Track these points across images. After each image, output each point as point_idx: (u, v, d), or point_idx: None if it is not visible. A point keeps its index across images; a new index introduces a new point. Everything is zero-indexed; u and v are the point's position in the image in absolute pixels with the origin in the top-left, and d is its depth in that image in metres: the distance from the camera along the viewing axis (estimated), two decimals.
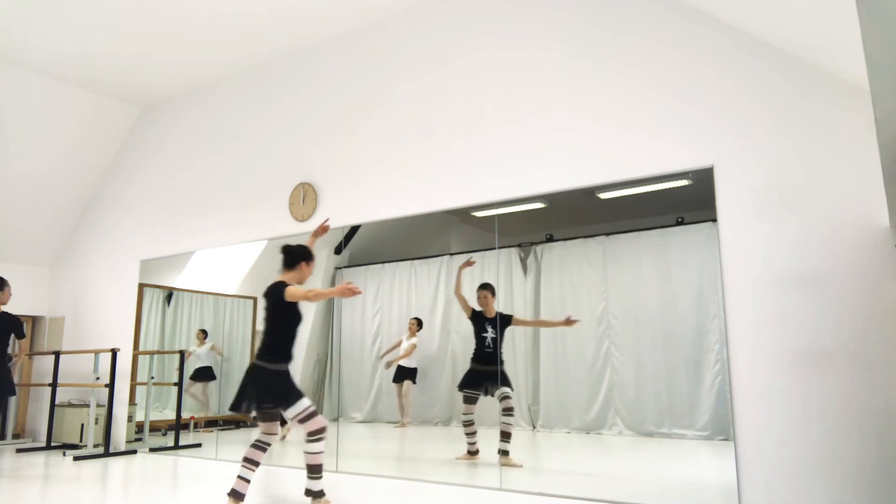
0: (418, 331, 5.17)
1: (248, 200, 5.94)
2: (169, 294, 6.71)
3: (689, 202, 3.87)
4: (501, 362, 4.45)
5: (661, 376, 4.06)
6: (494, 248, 4.53)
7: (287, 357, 3.54)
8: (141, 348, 6.52)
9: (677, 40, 3.92)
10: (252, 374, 3.50)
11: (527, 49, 4.51)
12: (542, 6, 4.49)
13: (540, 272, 4.57)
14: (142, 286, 6.63)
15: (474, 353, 4.57)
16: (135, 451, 6.05)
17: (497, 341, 4.48)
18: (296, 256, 3.67)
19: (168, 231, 6.54)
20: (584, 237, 4.40)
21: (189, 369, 6.42)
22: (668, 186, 3.89)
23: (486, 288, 4.58)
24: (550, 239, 4.52)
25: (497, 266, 4.59)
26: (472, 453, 4.54)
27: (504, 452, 4.28)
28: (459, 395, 4.66)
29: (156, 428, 6.39)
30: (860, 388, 3.17)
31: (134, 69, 6.25)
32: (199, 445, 6.08)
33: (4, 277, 5.29)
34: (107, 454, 5.83)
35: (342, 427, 5.23)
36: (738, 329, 3.50)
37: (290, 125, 5.78)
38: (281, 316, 3.52)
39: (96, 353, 6.11)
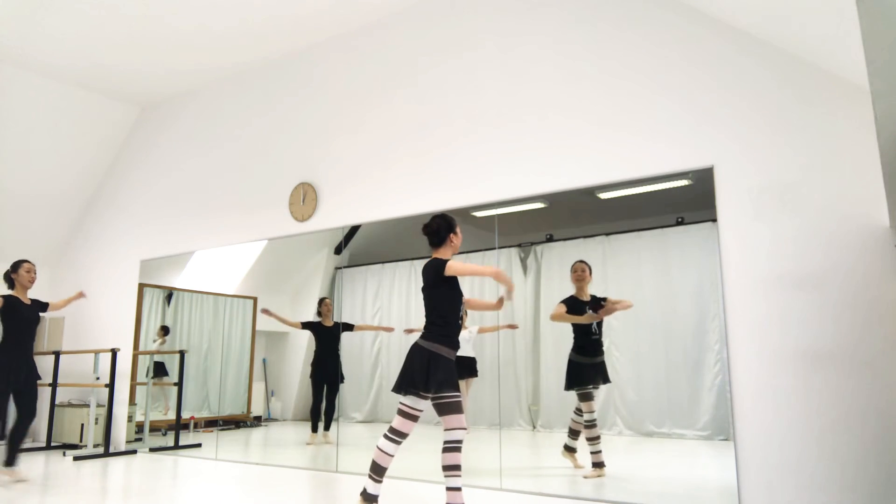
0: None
1: (248, 200, 5.94)
2: (169, 294, 6.72)
3: (689, 202, 3.87)
4: (603, 352, 4.14)
5: (661, 376, 4.06)
6: (494, 248, 4.53)
7: (445, 337, 3.16)
8: (141, 348, 6.52)
9: (677, 40, 3.92)
10: (409, 353, 3.20)
11: (527, 49, 4.51)
12: (541, 6, 4.48)
13: (540, 272, 4.57)
14: (142, 286, 6.63)
15: (575, 345, 4.15)
16: (135, 451, 6.05)
17: (601, 326, 4.13)
18: (440, 232, 3.30)
19: (168, 231, 6.54)
20: (584, 237, 4.40)
21: (150, 366, 6.50)
22: (668, 186, 3.89)
23: (584, 262, 4.23)
24: (550, 239, 4.52)
25: (497, 266, 4.59)
26: (597, 465, 3.99)
27: (570, 449, 4.14)
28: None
29: (156, 428, 6.39)
30: (860, 388, 3.17)
31: (134, 69, 6.25)
32: (199, 445, 6.08)
33: (22, 259, 4.79)
34: (107, 454, 5.83)
35: (342, 427, 5.23)
36: (738, 329, 3.50)
37: (290, 125, 5.79)
38: (438, 290, 3.21)
39: (96, 353, 6.11)
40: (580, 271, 4.22)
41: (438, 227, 3.31)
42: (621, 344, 4.19)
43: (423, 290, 3.28)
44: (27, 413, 4.50)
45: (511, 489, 4.05)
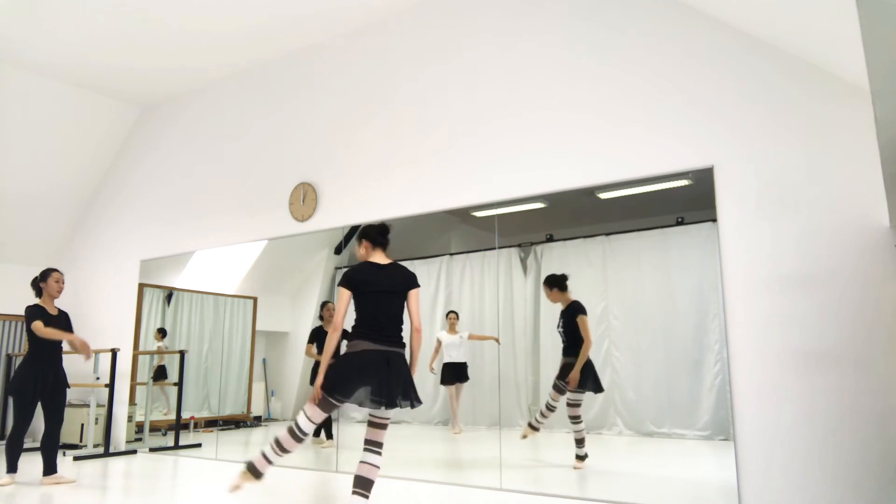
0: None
1: (248, 200, 5.94)
2: (169, 294, 6.72)
3: (689, 202, 3.87)
4: (575, 354, 4.21)
5: (661, 376, 4.06)
6: (494, 248, 4.53)
7: (405, 345, 3.19)
8: (141, 348, 6.52)
9: (678, 40, 3.92)
10: (388, 362, 3.01)
11: (527, 48, 4.51)
12: (542, 5, 4.48)
13: (540, 272, 4.57)
14: (142, 286, 6.63)
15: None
16: (135, 451, 6.05)
17: (565, 331, 4.27)
18: (386, 236, 3.27)
19: (168, 231, 6.54)
20: (584, 237, 4.40)
21: (150, 369, 6.50)
22: (668, 186, 3.89)
23: (545, 282, 4.43)
24: (550, 239, 4.52)
25: (497, 266, 4.59)
26: (580, 458, 4.15)
27: (578, 457, 4.19)
28: (463, 397, 4.68)
29: (156, 428, 6.39)
30: (860, 388, 3.17)
31: (134, 70, 6.25)
32: (199, 445, 6.08)
33: (52, 267, 4.74)
34: (107, 454, 5.83)
35: (342, 427, 5.22)
36: (738, 329, 3.50)
37: (291, 125, 5.79)
38: (403, 298, 3.16)
39: (96, 353, 6.11)
40: (546, 292, 4.41)
41: (387, 231, 3.28)
42: (621, 344, 4.19)
43: (392, 294, 3.12)
44: (56, 421, 4.50)
45: (511, 489, 4.05)
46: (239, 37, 5.65)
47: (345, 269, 3.22)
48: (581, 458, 4.13)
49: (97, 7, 5.16)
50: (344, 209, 5.24)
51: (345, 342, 3.21)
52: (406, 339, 3.14)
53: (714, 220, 3.66)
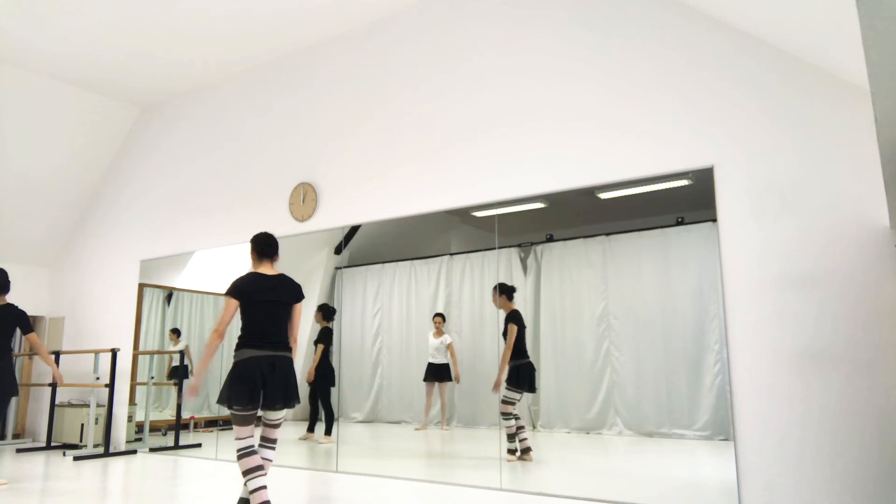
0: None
1: (248, 200, 5.94)
2: (169, 294, 6.72)
3: (689, 202, 3.87)
4: (516, 357, 4.43)
5: (661, 376, 4.06)
6: (494, 248, 4.53)
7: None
8: (141, 348, 6.52)
9: (678, 40, 3.92)
10: (280, 367, 3.26)
11: (527, 49, 4.51)
12: (542, 7, 4.49)
13: (540, 272, 4.57)
14: (142, 286, 6.63)
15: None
16: (135, 451, 6.05)
17: (505, 336, 4.48)
18: (276, 247, 3.61)
19: (168, 231, 6.54)
20: (584, 237, 4.40)
21: (165, 369, 6.51)
22: (668, 186, 3.89)
23: (495, 288, 4.62)
24: (550, 239, 4.51)
25: (497, 266, 4.59)
26: (511, 451, 4.37)
27: (510, 451, 4.34)
28: (463, 396, 4.71)
29: (156, 428, 6.39)
30: (860, 388, 3.17)
31: (134, 69, 6.25)
32: (199, 445, 6.08)
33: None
34: (107, 454, 5.83)
35: (342, 427, 5.23)
36: (738, 329, 3.50)
37: (290, 125, 5.79)
38: (291, 310, 3.45)
39: (96, 353, 6.12)
40: (493, 296, 4.61)
41: (276, 243, 3.60)
42: (621, 344, 4.19)
43: (283, 306, 3.38)
44: None
45: (511, 489, 4.05)
46: (239, 36, 5.65)
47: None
48: (512, 451, 4.28)
49: (97, 6, 5.16)
50: (344, 209, 5.24)
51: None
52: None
53: (714, 220, 3.66)
